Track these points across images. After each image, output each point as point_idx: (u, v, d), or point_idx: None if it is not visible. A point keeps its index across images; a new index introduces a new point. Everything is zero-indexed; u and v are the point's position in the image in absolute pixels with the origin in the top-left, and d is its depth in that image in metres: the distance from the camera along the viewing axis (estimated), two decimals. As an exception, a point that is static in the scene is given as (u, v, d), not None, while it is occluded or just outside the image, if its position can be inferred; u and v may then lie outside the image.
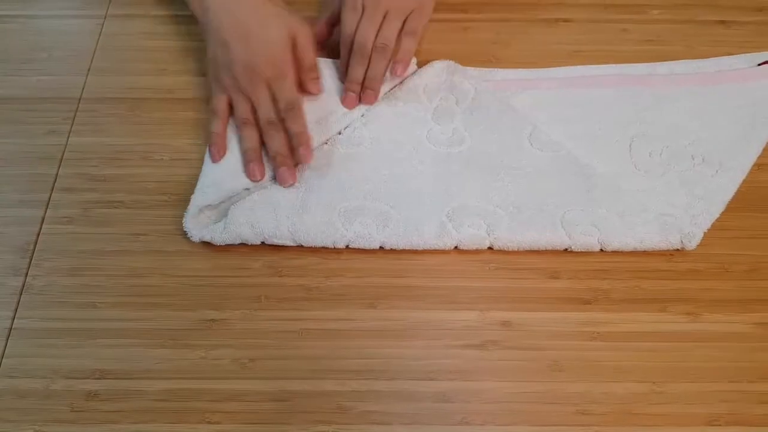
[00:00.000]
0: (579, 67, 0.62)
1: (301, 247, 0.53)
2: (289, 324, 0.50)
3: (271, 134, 0.54)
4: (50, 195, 0.55)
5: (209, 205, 0.53)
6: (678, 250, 0.53)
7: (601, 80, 0.61)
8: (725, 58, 0.63)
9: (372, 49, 0.56)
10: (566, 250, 0.53)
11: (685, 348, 0.50)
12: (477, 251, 0.53)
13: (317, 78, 0.56)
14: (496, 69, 0.62)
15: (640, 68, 0.62)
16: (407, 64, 0.58)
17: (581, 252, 0.53)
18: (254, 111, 0.55)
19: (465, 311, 0.51)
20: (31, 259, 0.52)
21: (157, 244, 0.53)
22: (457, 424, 0.47)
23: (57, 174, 0.57)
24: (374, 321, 0.50)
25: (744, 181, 0.56)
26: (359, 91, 0.57)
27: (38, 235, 0.54)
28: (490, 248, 0.53)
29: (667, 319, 0.51)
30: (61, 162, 0.57)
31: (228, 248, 0.53)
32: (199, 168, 0.55)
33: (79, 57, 0.63)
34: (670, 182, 0.55)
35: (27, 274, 0.52)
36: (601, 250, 0.53)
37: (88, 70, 0.63)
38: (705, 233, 0.53)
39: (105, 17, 0.66)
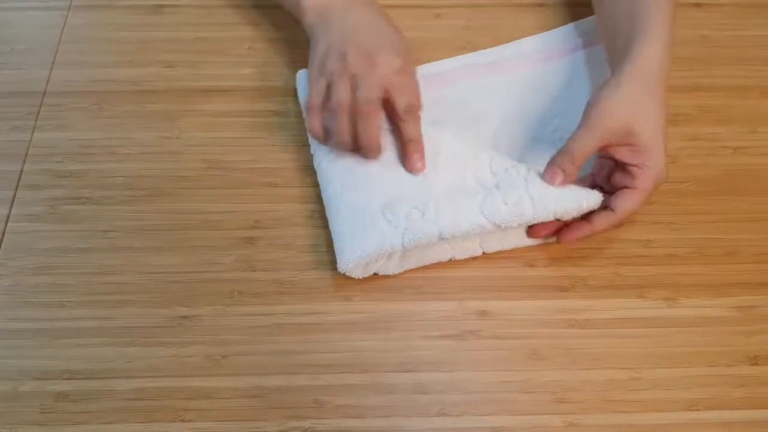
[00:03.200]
0: (434, 63, 0.61)
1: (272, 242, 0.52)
2: (262, 319, 0.49)
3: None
4: (15, 193, 0.54)
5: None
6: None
7: (453, 75, 0.60)
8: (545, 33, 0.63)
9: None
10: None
11: (663, 333, 0.49)
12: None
13: None
14: None
15: (488, 55, 0.62)
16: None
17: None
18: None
19: (442, 301, 0.50)
20: (-5, 259, 0.51)
21: (125, 241, 0.52)
22: (434, 416, 0.46)
23: (21, 171, 0.55)
24: (349, 314, 0.49)
25: (720, 165, 0.56)
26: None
27: (3, 233, 0.52)
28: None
29: (645, 305, 0.50)
30: (25, 158, 0.56)
31: (199, 244, 0.52)
32: (169, 162, 0.54)
33: (42, 50, 0.62)
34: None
35: (-8, 274, 0.51)
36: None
37: (53, 63, 0.61)
38: (682, 218, 0.54)
39: (69, 8, 0.65)
